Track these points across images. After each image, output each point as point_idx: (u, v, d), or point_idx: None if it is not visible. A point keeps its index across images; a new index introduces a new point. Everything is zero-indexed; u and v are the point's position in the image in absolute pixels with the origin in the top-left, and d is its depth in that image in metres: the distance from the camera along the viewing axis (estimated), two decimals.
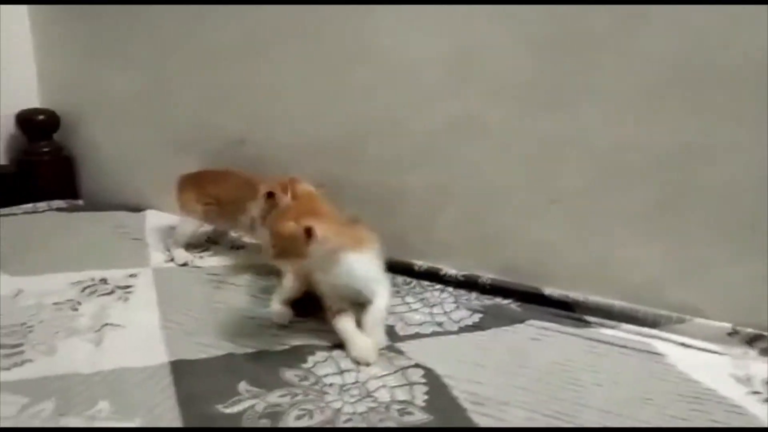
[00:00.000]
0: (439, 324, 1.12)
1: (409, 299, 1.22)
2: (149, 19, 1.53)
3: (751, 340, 1.05)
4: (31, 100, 1.74)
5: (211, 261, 1.37)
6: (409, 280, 1.31)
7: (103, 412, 0.83)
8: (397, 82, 1.28)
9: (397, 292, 1.25)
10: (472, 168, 1.24)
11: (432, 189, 1.30)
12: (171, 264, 1.35)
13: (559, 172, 1.16)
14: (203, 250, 1.43)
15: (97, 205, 1.70)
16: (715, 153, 1.03)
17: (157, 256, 1.38)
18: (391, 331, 1.09)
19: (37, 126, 1.70)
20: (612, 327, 1.12)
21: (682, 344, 1.07)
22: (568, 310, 1.18)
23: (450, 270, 1.29)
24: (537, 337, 1.08)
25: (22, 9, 1.71)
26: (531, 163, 1.18)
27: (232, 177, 1.37)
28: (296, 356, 0.99)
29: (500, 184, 1.23)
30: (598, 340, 1.07)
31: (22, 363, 0.95)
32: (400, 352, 1.01)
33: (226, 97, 1.50)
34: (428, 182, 1.30)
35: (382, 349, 1.02)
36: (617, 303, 1.14)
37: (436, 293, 1.25)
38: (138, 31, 1.57)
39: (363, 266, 1.04)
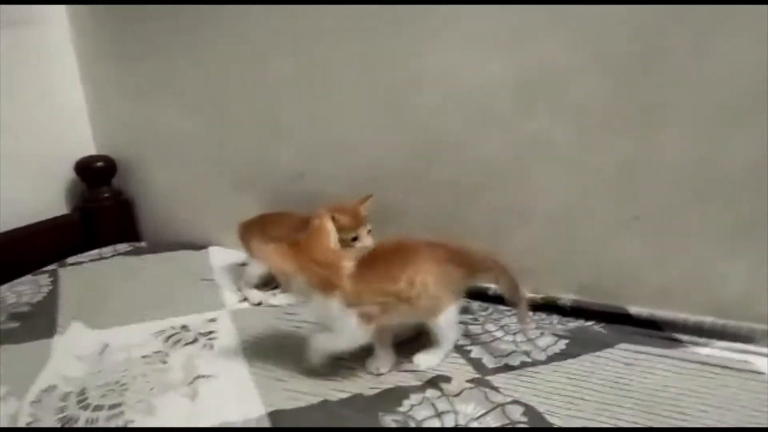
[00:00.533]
0: (527, 353, 1.11)
1: (489, 327, 1.21)
2: (201, 57, 1.54)
3: None
4: (87, 147, 1.77)
5: (285, 298, 1.37)
6: (484, 305, 1.30)
7: None
8: (459, 105, 1.26)
9: (475, 319, 1.24)
10: (544, 190, 1.23)
11: (501, 212, 1.29)
12: (246, 304, 1.36)
13: (638, 191, 1.14)
14: (274, 288, 1.43)
15: (159, 246, 1.71)
16: None
17: (231, 297, 1.39)
18: (479, 364, 1.08)
19: (95, 172, 1.72)
20: (704, 345, 1.10)
21: None
22: (656, 329, 1.15)
23: (528, 293, 1.27)
24: (630, 362, 1.06)
25: (71, 55, 1.73)
26: (607, 183, 1.17)
27: (289, 217, 1.36)
28: (391, 399, 0.99)
29: (575, 205, 1.21)
30: (694, 361, 1.05)
31: (125, 425, 0.96)
32: (494, 388, 1.00)
33: (283, 132, 1.50)
34: (497, 206, 1.29)
35: (473, 384, 1.01)
36: (708, 319, 1.12)
37: (515, 318, 1.24)
38: (190, 69, 1.57)
39: (323, 312, 1.02)
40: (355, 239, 1.25)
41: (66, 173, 1.74)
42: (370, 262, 1.04)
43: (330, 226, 1.05)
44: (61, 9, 1.70)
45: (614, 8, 1.07)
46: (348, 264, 1.01)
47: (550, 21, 1.13)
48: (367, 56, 1.33)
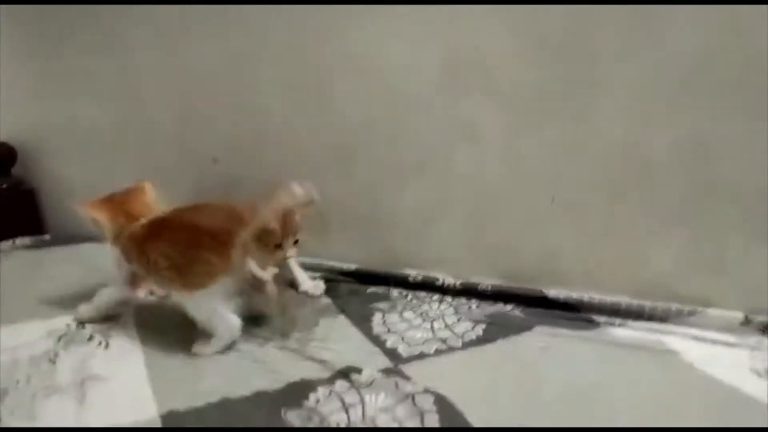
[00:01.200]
0: (443, 340, 1.07)
1: (407, 315, 1.17)
2: (115, 45, 1.44)
3: (765, 329, 1.02)
4: None
5: None
6: (404, 292, 1.25)
7: None
8: (384, 89, 1.22)
9: (393, 306, 1.20)
10: (469, 176, 1.20)
11: (426, 199, 1.25)
12: (151, 298, 1.27)
13: (562, 176, 1.13)
14: None
15: (64, 238, 1.60)
16: (726, 147, 1.00)
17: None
18: (393, 354, 1.04)
19: None
20: (621, 325, 1.09)
21: (695, 337, 1.04)
22: (574, 311, 1.13)
23: (448, 279, 1.23)
24: (547, 346, 1.03)
25: None
26: (532, 168, 1.14)
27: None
28: (296, 394, 0.93)
29: (500, 191, 1.18)
30: (610, 343, 1.03)
31: None
32: (406, 378, 0.96)
33: (200, 119, 1.41)
34: (422, 193, 1.25)
35: (385, 374, 0.96)
36: (624, 300, 1.11)
37: (435, 305, 1.20)
38: (103, 57, 1.47)
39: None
40: (278, 246, 1.11)
41: None
42: (158, 227, 1.07)
43: (149, 188, 1.15)
44: None
45: None
46: (140, 222, 1.08)
47: (482, 5, 1.09)
48: (287, 40, 1.26)
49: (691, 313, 1.06)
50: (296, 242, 1.16)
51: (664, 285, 1.08)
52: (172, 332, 1.12)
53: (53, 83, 1.56)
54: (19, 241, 1.60)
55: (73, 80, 1.53)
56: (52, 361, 1.05)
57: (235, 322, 1.05)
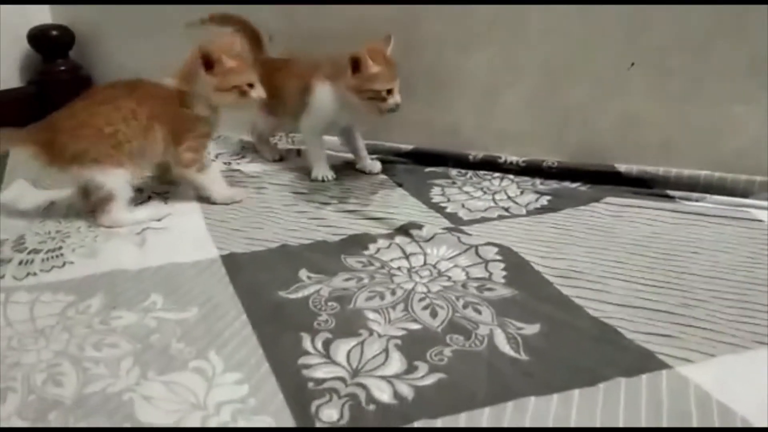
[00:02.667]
0: (506, 209, 1.03)
1: (467, 188, 1.12)
2: None
3: None
4: (43, 15, 1.63)
5: (250, 167, 1.28)
6: (464, 171, 1.21)
7: (157, 305, 0.76)
8: None
9: (453, 183, 1.16)
10: (542, 39, 1.11)
11: (493, 68, 1.17)
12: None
13: (646, 31, 1.03)
14: (241, 157, 1.33)
15: None
16: None
17: None
18: (453, 217, 1.00)
19: (51, 43, 1.59)
20: (698, 200, 1.02)
21: None
22: (647, 187, 1.07)
23: (511, 157, 1.18)
24: (619, 214, 0.98)
25: None
26: (613, 24, 1.05)
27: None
28: (357, 244, 0.91)
29: (574, 52, 1.09)
30: (687, 212, 0.97)
31: (63, 265, 0.87)
32: (468, 234, 0.92)
33: None
34: (489, 61, 1.17)
35: (445, 229, 0.93)
36: (703, 173, 1.03)
37: (496, 182, 1.15)
38: None
39: None
40: (390, 92, 1.07)
41: (20, 43, 1.60)
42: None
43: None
44: None
45: None
46: None
47: None
48: None
49: None
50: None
51: (748, 155, 1.00)
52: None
53: None
54: None
55: None
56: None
57: None
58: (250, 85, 1.02)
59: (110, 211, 0.99)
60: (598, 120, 1.11)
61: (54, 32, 1.59)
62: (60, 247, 0.93)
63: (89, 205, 1.03)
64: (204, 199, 1.09)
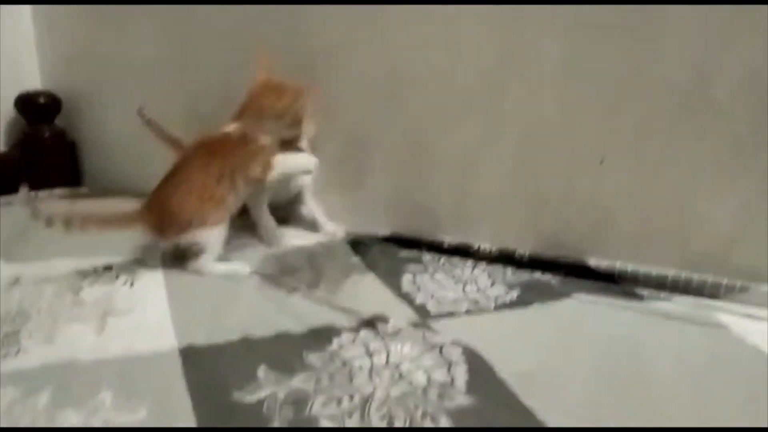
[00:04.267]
0: (475, 302, 1.02)
1: (439, 276, 1.12)
2: None
3: None
4: (33, 81, 1.65)
5: None
6: (438, 256, 1.20)
7: (106, 403, 0.74)
8: (436, 18, 1.15)
9: (425, 269, 1.15)
10: (519, 117, 1.12)
11: (469, 146, 1.18)
12: None
13: (620, 118, 1.05)
14: None
15: (101, 191, 1.61)
16: None
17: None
18: (422, 310, 0.99)
19: (37, 109, 1.60)
20: (666, 299, 1.02)
21: (747, 315, 0.96)
22: (615, 283, 1.07)
23: (484, 244, 1.18)
24: (586, 312, 0.97)
25: None
26: (589, 108, 1.07)
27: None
28: (321, 337, 0.89)
29: (553, 133, 1.11)
30: (653, 313, 0.97)
31: (17, 352, 0.85)
32: (434, 331, 0.91)
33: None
34: (467, 137, 1.18)
35: (411, 324, 0.92)
36: (671, 272, 1.04)
37: (468, 270, 1.15)
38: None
39: None
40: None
41: (5, 107, 1.62)
42: None
43: None
44: None
45: None
46: None
47: None
48: None
49: (743, 290, 0.99)
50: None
51: (716, 254, 1.00)
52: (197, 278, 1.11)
53: (97, 33, 1.55)
54: (57, 191, 1.61)
55: (117, 31, 1.52)
56: (76, 293, 1.04)
57: None
58: None
59: (199, 260, 1.11)
60: (569, 210, 1.12)
61: (41, 99, 1.61)
62: (18, 331, 0.91)
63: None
64: (171, 274, 1.09)
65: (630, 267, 1.06)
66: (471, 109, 1.17)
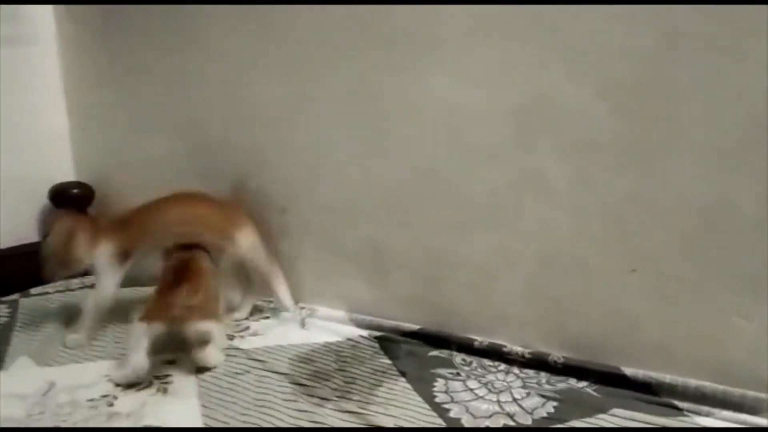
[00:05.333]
0: (511, 416, 1.00)
1: (471, 383, 1.11)
2: (187, 82, 1.48)
3: None
4: (67, 172, 1.71)
5: (255, 341, 1.28)
6: (468, 359, 1.19)
7: None
8: (449, 138, 1.19)
9: (457, 374, 1.14)
10: (538, 231, 1.13)
11: (491, 253, 1.19)
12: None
13: (637, 236, 1.05)
14: (244, 329, 1.34)
15: (129, 280, 1.62)
16: None
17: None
18: (457, 424, 0.98)
19: (70, 199, 1.65)
20: (706, 414, 1.00)
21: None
22: (653, 394, 1.05)
23: (515, 347, 1.17)
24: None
25: (58, 78, 1.69)
26: (608, 225, 1.07)
27: None
28: None
29: (572, 248, 1.11)
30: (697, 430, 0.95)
31: None
32: None
33: (268, 160, 1.41)
34: (486, 246, 1.19)
35: None
36: (709, 385, 1.02)
37: (501, 375, 1.14)
38: (175, 95, 1.51)
39: None
40: None
41: (42, 198, 1.66)
42: None
43: None
44: (51, 31, 1.65)
45: (618, 38, 1.00)
46: None
47: (552, 51, 1.06)
48: (356, 85, 1.26)
49: None
50: None
51: (750, 369, 0.98)
52: (228, 379, 1.11)
53: (129, 120, 1.62)
54: (88, 279, 1.63)
55: (147, 120, 1.59)
56: (110, 404, 1.04)
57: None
58: None
59: (208, 350, 1.16)
60: (596, 316, 1.11)
61: (75, 190, 1.65)
62: None
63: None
64: (203, 381, 1.11)
65: (668, 378, 1.04)
66: (487, 223, 1.19)
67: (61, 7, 1.64)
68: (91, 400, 1.05)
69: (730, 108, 0.95)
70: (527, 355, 1.16)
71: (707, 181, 0.99)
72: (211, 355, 1.17)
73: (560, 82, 1.06)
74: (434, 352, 1.22)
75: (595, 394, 1.07)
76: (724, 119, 0.96)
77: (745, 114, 0.94)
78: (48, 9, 1.64)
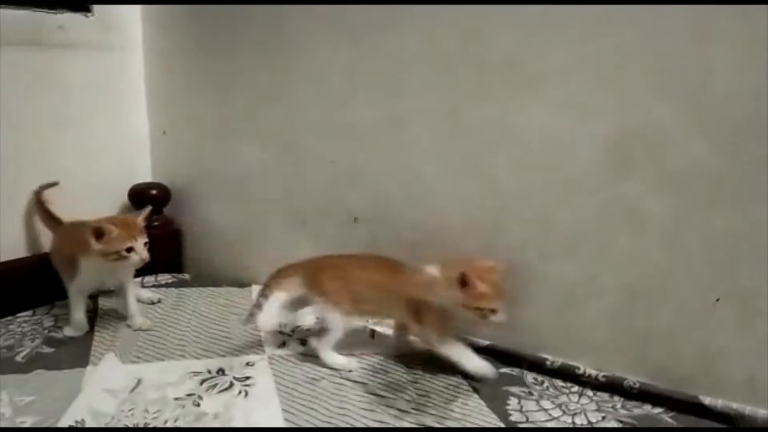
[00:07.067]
0: None
1: (545, 403, 1.12)
2: (279, 94, 1.52)
3: None
4: (144, 174, 1.78)
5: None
6: (540, 378, 1.20)
7: None
8: (543, 163, 1.20)
9: (529, 393, 1.15)
10: (626, 262, 1.14)
11: (575, 280, 1.20)
12: (285, 350, 1.30)
13: (728, 270, 1.05)
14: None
15: (202, 279, 1.69)
16: None
17: (269, 341, 1.33)
18: None
19: (148, 200, 1.70)
20: None
21: None
22: (730, 424, 1.04)
23: (589, 369, 1.18)
24: None
25: (141, 84, 1.75)
26: (697, 259, 1.07)
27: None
28: None
29: (658, 281, 1.11)
30: None
31: None
32: None
33: (353, 176, 1.45)
34: (571, 272, 1.20)
35: None
36: None
37: (574, 397, 1.14)
38: (265, 106, 1.55)
39: None
40: (130, 250, 1.27)
41: (121, 199, 1.73)
42: None
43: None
44: (138, 38, 1.72)
45: (725, 72, 1.00)
46: None
47: (655, 83, 1.06)
48: (449, 109, 1.28)
49: None
50: (146, 244, 1.31)
51: None
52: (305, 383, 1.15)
53: (211, 126, 1.67)
54: (161, 277, 1.70)
55: (230, 124, 1.63)
56: (197, 404, 1.09)
57: None
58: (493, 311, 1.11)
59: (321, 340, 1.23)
60: (680, 347, 1.11)
61: (153, 191, 1.72)
62: None
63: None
64: (282, 383, 1.16)
65: (748, 410, 1.03)
66: (575, 249, 1.19)
67: (151, 14, 1.70)
68: (178, 398, 1.10)
69: None
70: (601, 378, 1.16)
71: None
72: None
73: (659, 113, 1.06)
74: (505, 369, 1.24)
75: (671, 421, 1.06)
76: None
77: None
78: (137, 18, 1.71)
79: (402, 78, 1.33)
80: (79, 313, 1.36)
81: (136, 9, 1.71)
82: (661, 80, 1.06)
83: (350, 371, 1.21)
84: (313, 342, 1.26)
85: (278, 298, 1.24)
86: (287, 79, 1.50)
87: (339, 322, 1.21)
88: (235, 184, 1.65)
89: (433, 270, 1.18)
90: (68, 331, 1.35)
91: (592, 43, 1.10)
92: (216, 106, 1.64)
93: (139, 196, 1.71)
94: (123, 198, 1.73)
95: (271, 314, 1.24)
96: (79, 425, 1.01)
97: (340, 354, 1.23)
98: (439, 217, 1.33)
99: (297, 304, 1.29)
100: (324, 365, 1.22)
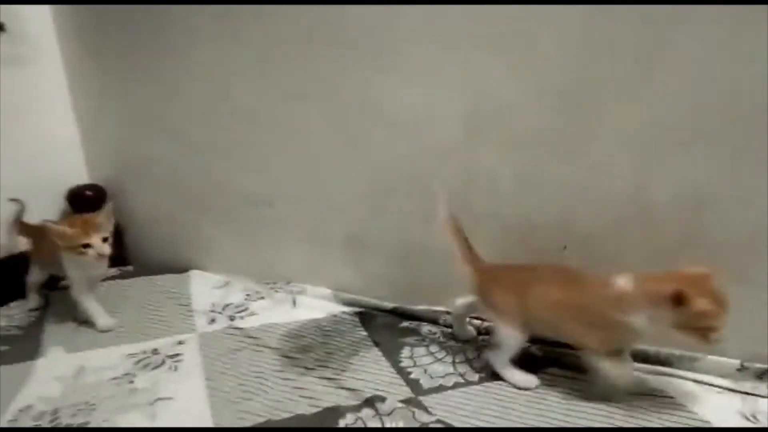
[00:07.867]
0: (461, 374, 1.20)
1: (433, 348, 1.31)
2: (181, 88, 1.64)
3: (762, 375, 1.09)
4: (80, 175, 1.90)
5: (252, 321, 1.48)
6: (434, 329, 1.39)
7: None
8: (410, 139, 1.35)
9: (422, 340, 1.34)
10: (487, 218, 1.31)
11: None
12: (214, 327, 1.46)
13: (574, 218, 1.23)
14: (243, 310, 1.53)
15: (144, 270, 1.83)
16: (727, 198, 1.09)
17: (201, 320, 1.50)
18: (416, 385, 1.18)
19: (85, 201, 1.83)
20: None
21: (694, 380, 1.13)
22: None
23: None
24: (550, 383, 1.15)
25: (65, 91, 1.85)
26: (546, 209, 1.25)
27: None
28: (328, 419, 1.09)
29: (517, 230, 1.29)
30: None
31: None
32: (424, 408, 1.10)
33: (253, 160, 1.60)
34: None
35: (406, 403, 1.11)
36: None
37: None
38: (172, 100, 1.68)
39: None
40: (87, 246, 1.38)
41: (59, 201, 1.85)
42: None
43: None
44: (54, 48, 1.82)
45: (550, 45, 1.16)
46: None
47: (494, 58, 1.22)
48: (327, 90, 1.42)
49: (692, 359, 1.15)
50: (106, 239, 1.43)
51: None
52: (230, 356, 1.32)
53: (132, 124, 1.80)
54: (109, 271, 1.83)
55: (149, 125, 1.76)
56: (131, 381, 1.25)
57: None
58: None
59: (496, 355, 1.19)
60: None
61: (89, 192, 1.85)
62: (87, 422, 1.12)
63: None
64: (208, 357, 1.31)
65: None
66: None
67: (63, 22, 1.79)
68: (115, 378, 1.27)
69: (644, 107, 1.12)
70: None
71: (625, 171, 1.16)
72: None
73: (503, 89, 1.23)
74: (405, 323, 1.42)
75: (538, 353, 1.25)
76: (640, 116, 1.12)
77: (657, 111, 1.11)
78: (49, 27, 1.80)
79: (270, 57, 1.47)
80: (94, 306, 1.49)
81: (48, 20, 1.79)
82: (496, 57, 1.22)
83: (531, 388, 1.15)
84: (490, 356, 1.20)
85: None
86: (179, 72, 1.63)
87: (511, 340, 1.15)
88: (162, 178, 1.78)
89: (624, 282, 1.03)
90: (102, 326, 1.47)
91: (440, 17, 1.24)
92: (132, 105, 1.76)
93: (75, 198, 1.84)
94: (60, 200, 1.85)
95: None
96: (27, 409, 1.17)
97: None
98: (326, 197, 1.52)
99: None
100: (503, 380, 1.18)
